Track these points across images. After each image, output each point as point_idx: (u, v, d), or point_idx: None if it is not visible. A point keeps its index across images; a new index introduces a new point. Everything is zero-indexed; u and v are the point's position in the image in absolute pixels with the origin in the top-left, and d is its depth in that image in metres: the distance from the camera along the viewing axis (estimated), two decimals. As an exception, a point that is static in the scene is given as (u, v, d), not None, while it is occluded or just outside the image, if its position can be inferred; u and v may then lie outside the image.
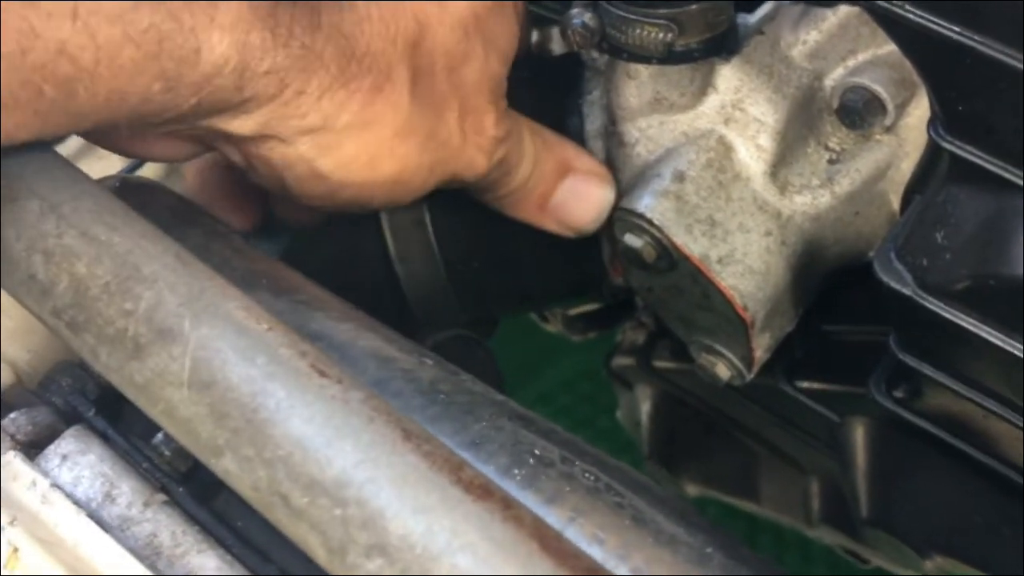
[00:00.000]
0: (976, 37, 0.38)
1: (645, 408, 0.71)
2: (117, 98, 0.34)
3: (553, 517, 0.27)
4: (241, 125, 0.39)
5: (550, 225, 0.52)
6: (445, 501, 0.24)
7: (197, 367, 0.28)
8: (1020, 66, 0.37)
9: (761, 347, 0.53)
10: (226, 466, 0.27)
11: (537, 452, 0.28)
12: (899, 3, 0.39)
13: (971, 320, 0.44)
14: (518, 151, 0.49)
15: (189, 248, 0.32)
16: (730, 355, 0.53)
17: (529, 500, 0.27)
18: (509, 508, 0.24)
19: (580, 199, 0.51)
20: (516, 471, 0.28)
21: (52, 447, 0.40)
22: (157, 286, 0.29)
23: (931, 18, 0.38)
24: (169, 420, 0.29)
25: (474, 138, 0.47)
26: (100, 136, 0.40)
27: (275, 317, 0.29)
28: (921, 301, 0.45)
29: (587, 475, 0.28)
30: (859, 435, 0.56)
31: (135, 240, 0.31)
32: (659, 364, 0.67)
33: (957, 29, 0.38)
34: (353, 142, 0.41)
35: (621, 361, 0.70)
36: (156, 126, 0.37)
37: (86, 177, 0.34)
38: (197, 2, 0.35)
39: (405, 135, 0.43)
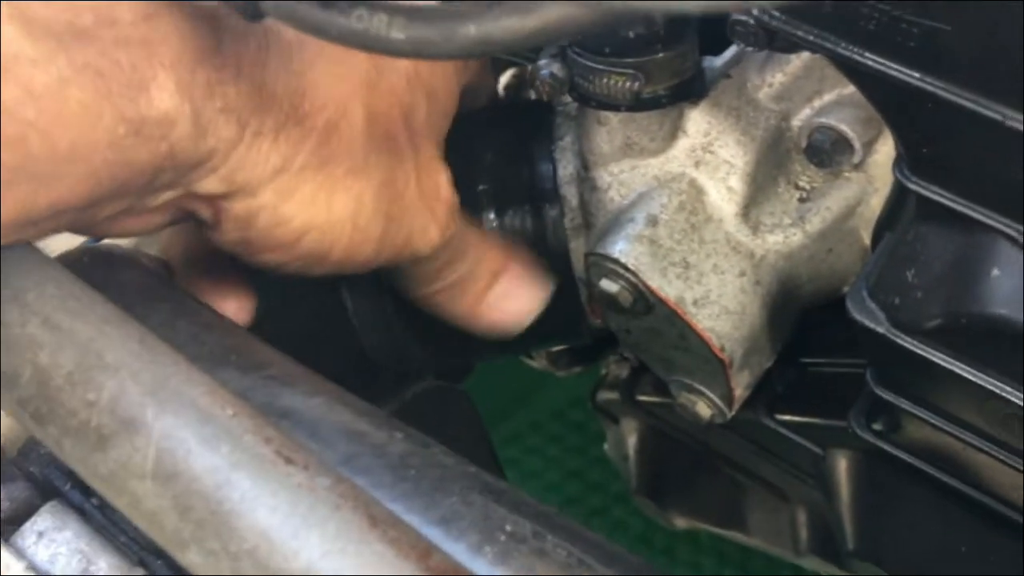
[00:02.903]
0: (936, 82, 0.38)
1: (631, 442, 0.71)
2: (85, 151, 0.33)
3: (525, 596, 0.27)
4: (211, 184, 0.38)
5: (479, 326, 0.50)
6: (413, 590, 0.24)
7: (161, 458, 0.27)
8: (980, 109, 0.37)
9: (740, 385, 0.53)
10: (192, 559, 0.27)
11: (508, 528, 0.28)
12: (858, 50, 0.39)
13: (944, 357, 0.44)
14: (463, 238, 0.48)
15: (155, 326, 0.32)
16: (710, 394, 0.53)
17: (500, 578, 0.27)
18: (477, 594, 0.24)
19: (511, 301, 0.50)
20: (487, 548, 0.28)
21: (28, 524, 0.40)
22: (120, 375, 0.29)
23: (891, 64, 0.39)
24: (134, 512, 0.29)
25: (429, 201, 0.45)
26: (77, 217, 0.38)
27: (241, 399, 0.29)
28: (894, 339, 0.45)
29: (559, 550, 0.28)
30: (842, 467, 0.56)
31: (98, 326, 0.30)
32: (643, 398, 0.67)
33: (917, 75, 0.38)
34: (310, 183, 0.40)
35: (606, 395, 0.70)
36: (140, 195, 0.37)
37: (50, 260, 0.34)
38: (132, 41, 0.34)
39: (359, 174, 0.41)
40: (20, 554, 0.38)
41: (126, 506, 0.29)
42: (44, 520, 0.40)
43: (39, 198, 0.34)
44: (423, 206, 0.45)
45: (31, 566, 0.37)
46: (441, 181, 0.46)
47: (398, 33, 0.27)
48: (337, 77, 0.41)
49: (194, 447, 0.28)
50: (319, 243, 0.42)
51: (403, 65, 0.43)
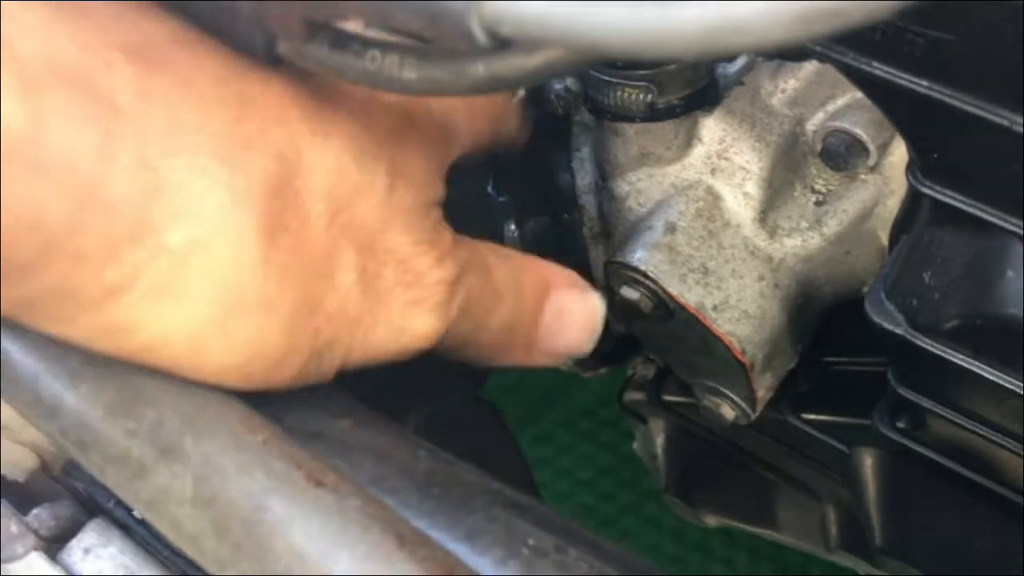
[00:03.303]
0: (943, 90, 0.38)
1: (659, 441, 0.72)
2: None
3: (547, 609, 0.28)
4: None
5: (546, 359, 0.43)
6: (439, 607, 0.25)
7: (199, 484, 0.29)
8: (988, 116, 0.38)
9: (763, 387, 0.53)
10: (231, 580, 0.29)
11: (531, 542, 0.29)
12: (866, 60, 0.40)
13: (963, 357, 0.45)
14: (488, 290, 0.39)
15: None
16: (733, 396, 0.54)
17: (524, 592, 0.28)
18: (502, 609, 0.26)
19: (570, 320, 0.42)
20: (511, 562, 0.29)
21: (75, 541, 0.42)
22: (159, 405, 0.31)
23: (898, 73, 0.39)
24: (175, 535, 0.30)
25: (403, 294, 0.35)
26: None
27: (273, 424, 0.31)
28: (913, 340, 0.45)
29: (580, 563, 0.29)
30: (868, 465, 0.57)
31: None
32: (669, 398, 0.68)
33: (924, 83, 0.39)
34: (157, 319, 0.31)
35: (633, 396, 0.71)
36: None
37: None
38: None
39: (248, 311, 0.32)
40: (68, 569, 0.40)
41: (167, 529, 0.31)
42: (90, 537, 0.41)
43: None
44: (394, 306, 0.35)
45: (79, 583, 0.38)
46: (422, 264, 0.36)
47: (410, 73, 0.28)
48: (215, 180, 0.31)
49: (230, 473, 0.29)
50: (219, 376, 0.32)
51: (342, 145, 0.34)
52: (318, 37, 0.29)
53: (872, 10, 0.21)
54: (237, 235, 0.31)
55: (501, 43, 0.25)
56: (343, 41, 0.29)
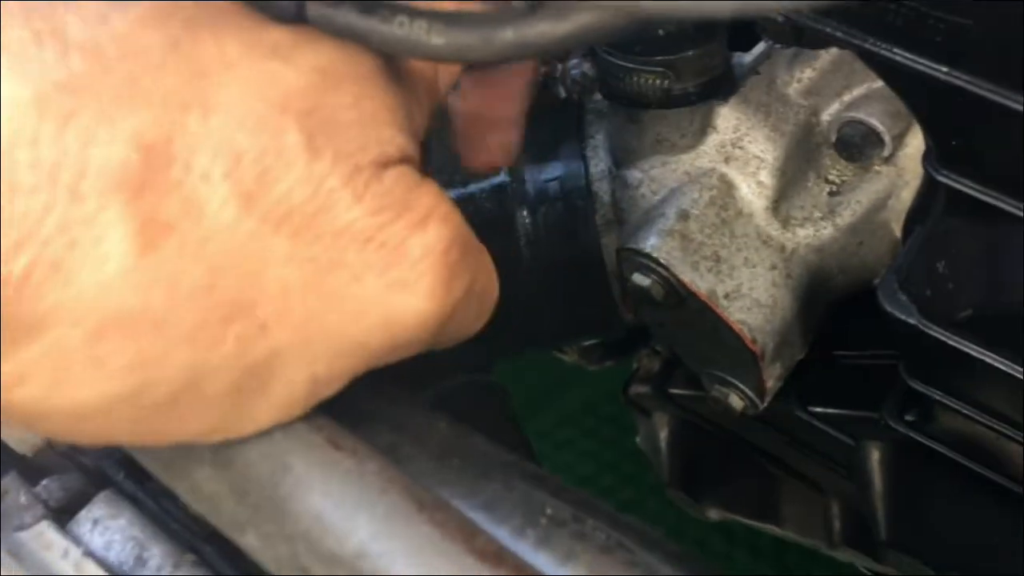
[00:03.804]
0: (964, 76, 0.38)
1: (663, 435, 0.72)
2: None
3: (568, 576, 0.28)
4: None
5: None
6: (459, 570, 0.25)
7: (218, 446, 0.29)
8: (1007, 103, 0.38)
9: (772, 377, 0.53)
10: (249, 542, 0.28)
11: (549, 511, 0.29)
12: (887, 46, 0.40)
13: (976, 347, 0.45)
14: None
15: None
16: (742, 386, 0.54)
17: (542, 560, 0.28)
18: (523, 574, 0.25)
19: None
20: (529, 531, 0.29)
21: (84, 512, 0.41)
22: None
23: (918, 60, 0.39)
24: (194, 497, 0.30)
25: (379, 278, 0.29)
26: None
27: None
28: (927, 330, 0.45)
29: (598, 532, 0.29)
30: (875, 458, 0.57)
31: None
32: (675, 391, 0.68)
33: (945, 69, 0.39)
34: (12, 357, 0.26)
35: (638, 389, 0.71)
36: None
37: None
38: None
39: (123, 331, 0.27)
40: (77, 541, 0.39)
41: (186, 491, 0.30)
42: (99, 508, 0.41)
43: None
44: (366, 291, 0.29)
45: (88, 552, 0.38)
46: (396, 234, 0.29)
47: (438, 38, 0.28)
48: (106, 179, 0.26)
49: (250, 435, 0.29)
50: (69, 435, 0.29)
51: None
52: (347, 1, 0.29)
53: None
54: (93, 248, 0.26)
55: (535, 4, 0.25)
56: (371, 6, 0.29)
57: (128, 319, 0.26)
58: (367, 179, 0.29)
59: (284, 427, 0.29)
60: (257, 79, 0.28)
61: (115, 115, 0.26)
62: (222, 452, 0.29)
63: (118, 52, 0.27)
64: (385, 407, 0.33)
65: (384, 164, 0.29)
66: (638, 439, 0.76)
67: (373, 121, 0.30)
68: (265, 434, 0.29)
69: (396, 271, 0.29)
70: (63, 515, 0.42)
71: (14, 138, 0.26)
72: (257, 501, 0.28)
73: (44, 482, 0.43)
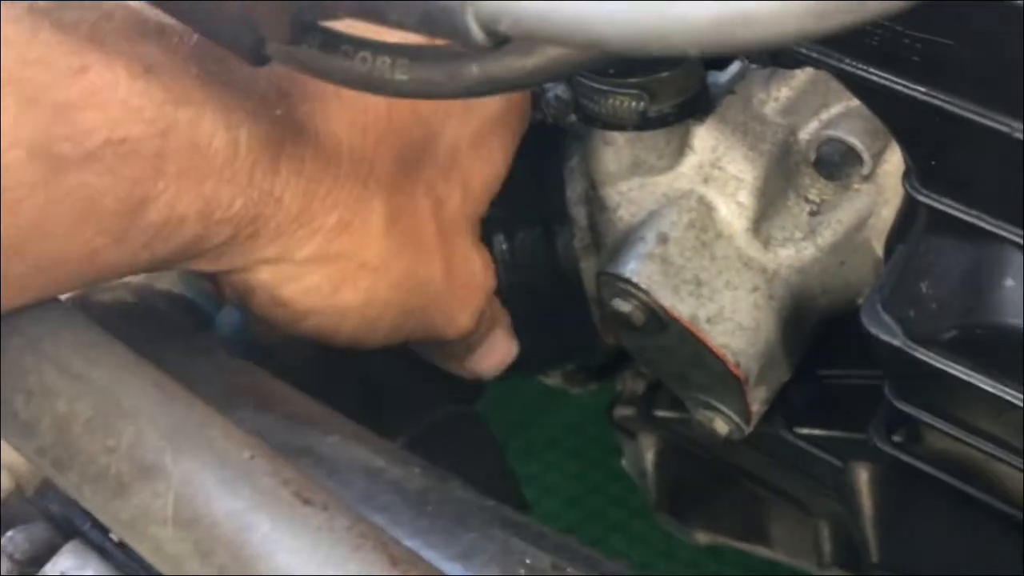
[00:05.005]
0: (941, 96, 0.38)
1: (649, 457, 0.71)
2: (56, 262, 0.32)
3: (544, 629, 0.27)
4: (197, 264, 0.37)
5: (460, 372, 0.51)
6: (434, 629, 0.24)
7: (180, 503, 0.28)
8: (986, 122, 0.37)
9: (757, 401, 0.53)
10: (216, 604, 0.27)
11: (528, 561, 0.28)
12: (863, 67, 0.39)
13: (960, 368, 0.44)
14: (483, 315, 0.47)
15: (172, 368, 0.33)
16: (727, 410, 0.53)
17: (521, 612, 0.27)
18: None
19: (494, 353, 0.51)
20: (508, 582, 0.28)
21: (49, 565, 0.40)
22: (138, 420, 0.29)
23: (896, 80, 0.39)
24: (156, 557, 0.29)
25: (459, 290, 0.44)
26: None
27: (258, 440, 0.29)
28: (910, 351, 0.45)
29: (578, 582, 0.28)
30: (863, 480, 0.56)
31: (115, 372, 0.31)
32: (660, 413, 0.67)
33: (922, 89, 0.38)
34: (315, 274, 0.39)
35: (623, 411, 0.70)
36: (132, 268, 0.35)
37: (65, 307, 0.35)
38: (140, 156, 0.33)
39: (373, 268, 0.40)
40: (42, 597, 0.38)
41: (148, 551, 0.29)
42: (66, 560, 0.40)
43: None
44: (452, 296, 0.44)
45: (53, 609, 0.37)
46: (476, 268, 0.45)
47: (402, 75, 0.27)
48: (355, 179, 0.39)
49: (213, 491, 0.28)
50: (321, 327, 0.41)
51: (438, 155, 0.42)
52: (307, 38, 0.28)
53: (889, 6, 0.20)
54: (369, 216, 0.39)
55: (498, 41, 0.24)
56: (333, 42, 0.28)
57: (381, 264, 0.40)
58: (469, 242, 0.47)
59: (250, 481, 0.28)
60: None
61: None
62: (185, 509, 0.28)
63: None
64: (360, 453, 0.32)
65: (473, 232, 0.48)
66: (624, 461, 0.75)
67: (480, 204, 0.48)
68: (230, 489, 0.28)
69: (469, 290, 0.46)
70: (28, 567, 0.41)
71: None
72: (223, 561, 0.27)
73: (9, 533, 0.42)
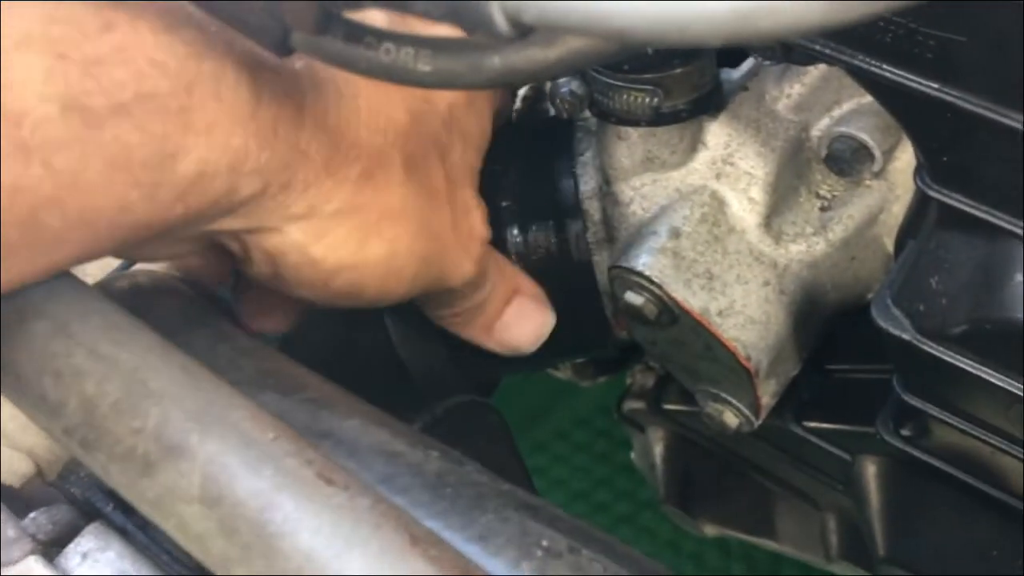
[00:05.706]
0: (953, 92, 0.38)
1: (658, 450, 0.71)
2: (92, 215, 0.33)
3: (563, 609, 0.27)
4: (230, 223, 0.38)
5: (491, 346, 0.52)
6: (454, 607, 0.25)
7: (206, 482, 0.28)
8: (998, 118, 0.37)
9: (767, 394, 0.53)
10: (239, 581, 0.28)
11: (544, 543, 0.29)
12: (876, 63, 0.40)
13: (970, 362, 0.44)
14: (486, 268, 0.49)
15: (196, 353, 0.33)
16: (737, 403, 0.54)
17: (538, 593, 0.28)
18: (516, 610, 0.25)
19: (524, 322, 0.52)
20: (524, 563, 0.28)
21: (72, 546, 0.41)
22: (164, 402, 0.30)
23: (908, 76, 0.39)
24: (181, 535, 0.30)
25: (464, 239, 0.46)
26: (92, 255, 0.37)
27: (282, 422, 0.30)
28: (921, 346, 0.45)
29: (595, 564, 0.28)
30: (871, 474, 0.56)
31: (142, 355, 0.31)
32: (669, 407, 0.68)
33: (935, 85, 0.39)
34: (343, 226, 0.40)
35: (632, 404, 0.71)
36: (161, 236, 0.37)
37: (92, 290, 0.35)
38: (168, 111, 0.34)
39: (396, 218, 0.42)
40: (65, 574, 0.39)
41: (173, 529, 0.30)
42: (88, 541, 0.41)
43: (38, 263, 0.34)
44: (458, 244, 0.45)
45: (75, 589, 0.38)
46: (476, 219, 0.47)
47: (425, 66, 0.28)
48: (374, 129, 0.41)
49: (238, 471, 0.28)
50: (351, 284, 0.42)
51: (440, 109, 0.44)
52: (332, 28, 0.29)
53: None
54: (390, 167, 0.41)
55: (522, 32, 0.24)
56: (357, 33, 0.29)
57: (402, 212, 0.42)
58: (471, 192, 0.48)
59: (274, 462, 0.29)
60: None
61: None
62: (210, 488, 0.29)
63: None
64: (380, 436, 0.32)
65: (473, 184, 0.49)
66: (632, 454, 0.76)
67: (478, 157, 0.48)
68: (254, 469, 0.29)
69: (471, 240, 0.47)
70: (52, 548, 0.42)
71: None
72: (247, 539, 0.28)
73: (32, 515, 0.43)
